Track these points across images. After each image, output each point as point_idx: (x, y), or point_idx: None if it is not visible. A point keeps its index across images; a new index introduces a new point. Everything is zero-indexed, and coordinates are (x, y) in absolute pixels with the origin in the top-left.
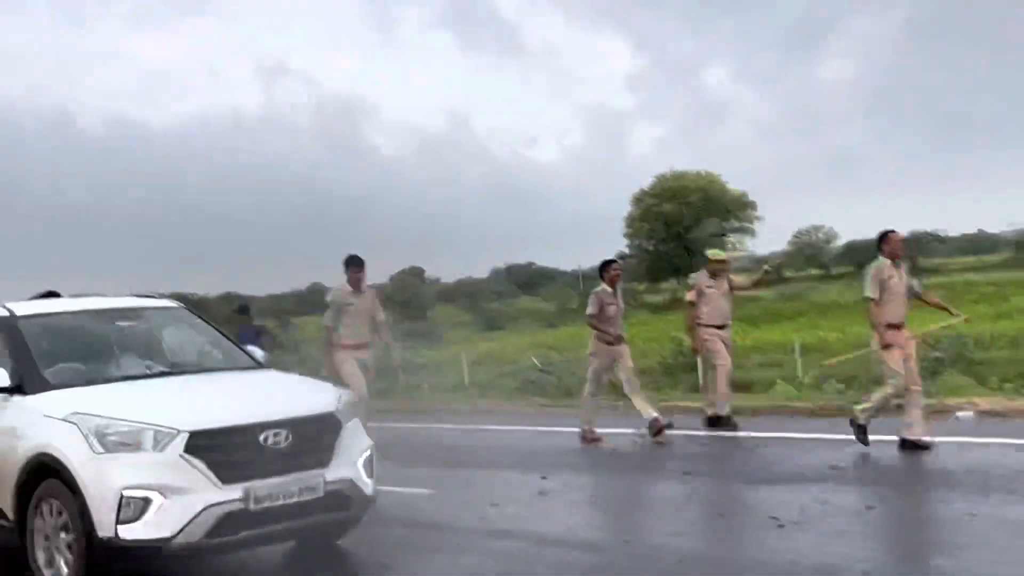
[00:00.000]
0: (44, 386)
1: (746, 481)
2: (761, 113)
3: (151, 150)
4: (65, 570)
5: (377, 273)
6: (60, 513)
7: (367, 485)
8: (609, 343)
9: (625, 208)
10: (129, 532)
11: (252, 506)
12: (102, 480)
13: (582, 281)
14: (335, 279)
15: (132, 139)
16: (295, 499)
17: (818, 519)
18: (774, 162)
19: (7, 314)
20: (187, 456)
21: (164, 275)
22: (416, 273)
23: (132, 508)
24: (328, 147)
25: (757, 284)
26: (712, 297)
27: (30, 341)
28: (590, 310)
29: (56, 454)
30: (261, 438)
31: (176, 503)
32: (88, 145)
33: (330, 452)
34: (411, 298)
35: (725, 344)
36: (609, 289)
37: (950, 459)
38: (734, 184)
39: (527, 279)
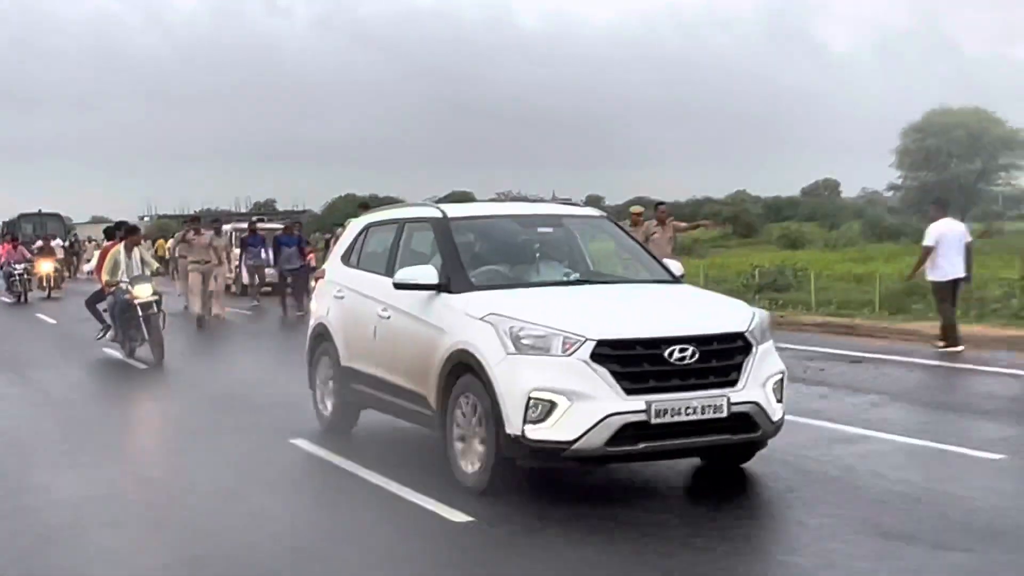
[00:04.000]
0: (467, 286)
1: None
2: None
3: (587, 45)
4: (477, 462)
5: (790, 182)
6: (476, 408)
7: (775, 411)
8: None
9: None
10: (535, 432)
11: (653, 419)
12: (513, 380)
13: None
14: (758, 184)
15: (569, 34)
16: (697, 416)
17: None
18: None
19: (440, 215)
20: (592, 363)
21: (578, 175)
22: (830, 186)
23: (539, 410)
24: (772, 42)
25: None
26: (657, 242)
27: (459, 242)
28: None
29: (474, 351)
30: (667, 352)
31: (579, 408)
32: (525, 41)
33: (738, 373)
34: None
35: None
36: None
37: None
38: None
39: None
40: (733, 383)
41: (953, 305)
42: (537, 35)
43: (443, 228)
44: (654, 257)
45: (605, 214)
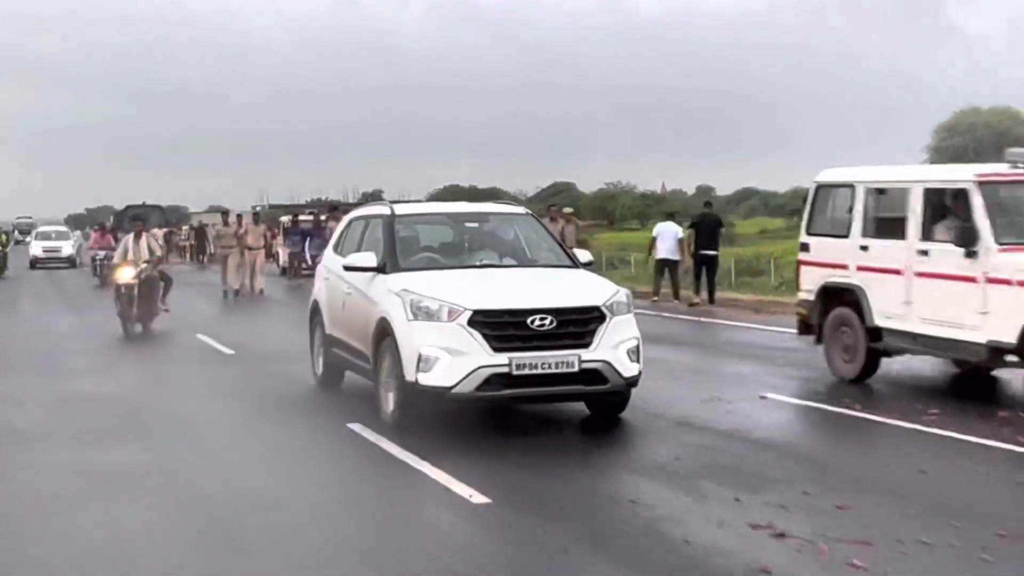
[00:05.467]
0: (397, 269)
1: None
2: None
3: (706, 31)
4: (392, 403)
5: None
6: (391, 362)
7: (627, 368)
8: None
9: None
10: (424, 379)
11: (514, 371)
12: (410, 339)
13: None
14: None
15: (690, 21)
16: (551, 370)
17: None
18: None
19: (389, 212)
20: (468, 328)
21: (690, 163)
22: None
23: (428, 363)
24: (902, 25)
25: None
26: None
27: (398, 234)
28: None
29: (389, 318)
30: (529, 320)
31: (457, 362)
32: (645, 28)
33: (592, 337)
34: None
35: None
36: None
37: None
38: None
39: None
40: (586, 345)
41: (673, 277)
42: (656, 22)
43: (388, 223)
44: (562, 247)
45: (529, 212)
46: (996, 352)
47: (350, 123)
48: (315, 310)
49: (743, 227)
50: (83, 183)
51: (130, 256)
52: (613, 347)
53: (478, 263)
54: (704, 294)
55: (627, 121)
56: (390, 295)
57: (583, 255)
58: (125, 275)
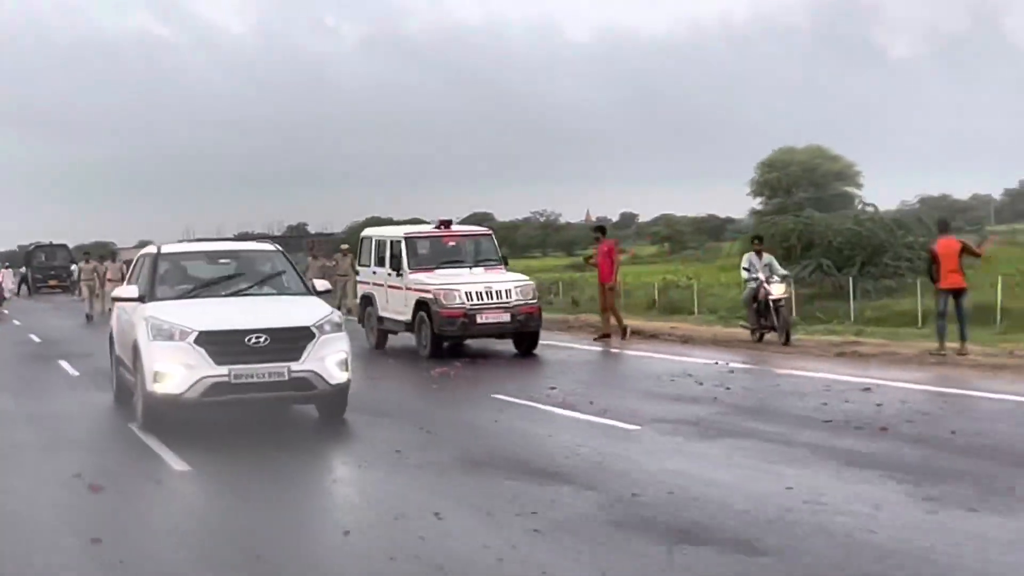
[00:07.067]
0: (153, 298)
1: None
2: None
3: (638, 58)
4: (140, 407)
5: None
6: (140, 375)
7: (333, 377)
8: None
9: None
10: (159, 388)
11: (233, 380)
12: (149, 356)
13: None
14: None
15: (618, 48)
16: (265, 379)
17: None
18: None
19: (155, 252)
20: (195, 345)
21: (616, 191)
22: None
23: (162, 375)
24: (826, 50)
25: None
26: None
27: (159, 269)
28: None
29: (137, 339)
30: (246, 339)
31: (185, 373)
32: (575, 54)
33: (300, 352)
34: None
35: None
36: None
37: None
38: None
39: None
40: (296, 358)
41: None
42: (584, 47)
43: (152, 260)
44: (302, 278)
45: (278, 248)
46: (407, 327)
47: (278, 156)
48: (111, 336)
49: (641, 251)
50: (14, 220)
51: None
52: (321, 359)
53: (224, 292)
54: None
55: (555, 148)
56: (142, 320)
57: (321, 284)
58: None
